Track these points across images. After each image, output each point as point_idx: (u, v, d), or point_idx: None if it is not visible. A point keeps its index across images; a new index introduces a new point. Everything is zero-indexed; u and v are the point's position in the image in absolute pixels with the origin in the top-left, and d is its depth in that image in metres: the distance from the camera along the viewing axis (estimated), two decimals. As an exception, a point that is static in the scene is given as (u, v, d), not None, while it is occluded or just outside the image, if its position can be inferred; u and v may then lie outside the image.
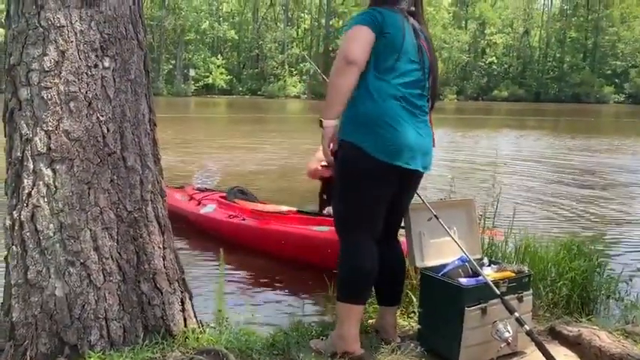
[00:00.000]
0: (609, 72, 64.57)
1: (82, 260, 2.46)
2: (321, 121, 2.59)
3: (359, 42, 2.50)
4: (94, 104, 2.48)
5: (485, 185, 3.90)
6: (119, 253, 2.54)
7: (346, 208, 2.72)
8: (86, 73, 2.47)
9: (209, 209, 5.62)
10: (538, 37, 72.04)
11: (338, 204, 2.78)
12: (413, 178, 2.76)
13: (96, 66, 2.50)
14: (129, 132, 2.59)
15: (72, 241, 2.44)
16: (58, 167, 2.43)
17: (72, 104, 2.44)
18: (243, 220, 5.14)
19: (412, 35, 2.61)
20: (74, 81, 2.45)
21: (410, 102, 2.60)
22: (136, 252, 2.60)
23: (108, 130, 2.52)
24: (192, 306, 2.86)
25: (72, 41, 2.45)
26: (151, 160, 2.69)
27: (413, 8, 2.68)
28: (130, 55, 2.62)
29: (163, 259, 2.70)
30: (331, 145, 2.63)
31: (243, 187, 6.13)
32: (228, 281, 4.12)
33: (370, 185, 2.62)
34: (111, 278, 2.52)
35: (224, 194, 5.96)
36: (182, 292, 2.79)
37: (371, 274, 2.69)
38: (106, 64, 2.53)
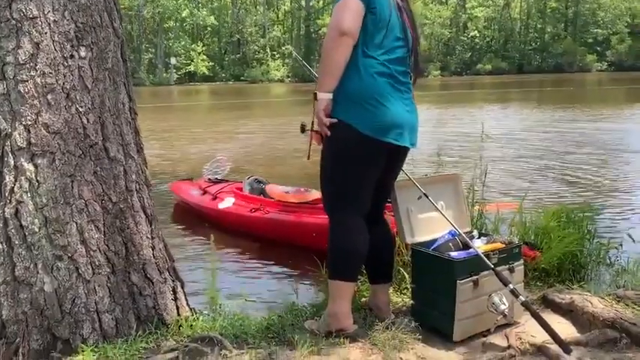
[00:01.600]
0: (591, 40, 64.73)
1: (69, 254, 2.43)
2: (315, 94, 2.58)
3: (350, 13, 2.47)
4: (72, 95, 2.44)
5: (472, 158, 3.94)
6: (107, 245, 2.52)
7: (335, 186, 2.72)
8: (62, 64, 2.43)
9: (227, 204, 5.36)
10: (519, 8, 71.87)
11: (327, 182, 2.77)
12: (400, 155, 2.77)
13: (72, 56, 2.45)
14: (109, 122, 2.55)
15: (58, 235, 2.41)
16: (39, 161, 2.39)
17: (50, 96, 2.40)
18: (267, 213, 4.91)
19: (397, 11, 2.61)
20: (51, 73, 2.40)
21: (396, 79, 2.61)
22: (124, 243, 2.57)
23: (88, 121, 2.48)
24: (185, 294, 2.85)
25: (46, 32, 2.39)
26: (133, 150, 2.66)
27: None
28: (106, 44, 2.57)
29: (152, 249, 2.68)
30: (326, 119, 2.58)
31: (259, 177, 5.82)
32: (221, 267, 4.10)
33: (359, 162, 2.62)
34: (100, 271, 2.49)
35: (240, 185, 5.69)
36: (173, 280, 2.77)
37: (361, 252, 2.70)
38: (82, 54, 2.48)
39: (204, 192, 5.82)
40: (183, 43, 58.00)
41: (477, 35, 68.49)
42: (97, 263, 2.49)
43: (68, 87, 2.43)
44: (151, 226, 2.70)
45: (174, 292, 2.75)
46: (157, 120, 16.32)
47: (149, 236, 2.67)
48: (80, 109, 2.46)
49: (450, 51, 67.80)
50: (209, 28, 62.88)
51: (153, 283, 2.65)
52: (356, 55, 2.54)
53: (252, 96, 32.65)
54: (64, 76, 2.43)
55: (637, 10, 64.95)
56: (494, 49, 68.48)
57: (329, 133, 2.59)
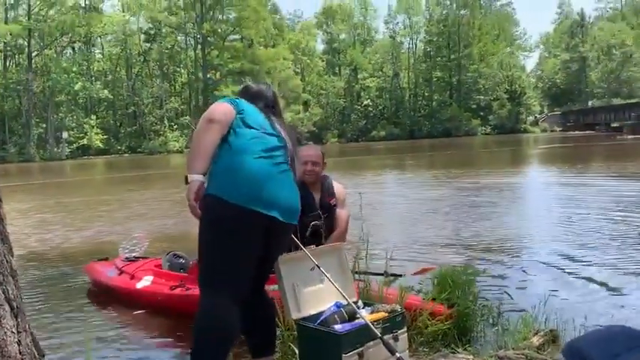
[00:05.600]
0: (474, 106, 69.64)
1: None
2: (186, 177, 2.63)
3: (219, 107, 2.74)
4: None
5: (357, 227, 4.08)
6: (-35, 344, 2.32)
7: (210, 264, 2.69)
8: None
9: (146, 282, 5.02)
10: (407, 78, 76.25)
11: (202, 260, 2.74)
12: (279, 231, 2.76)
13: None
14: (-31, 210, 2.40)
15: None
16: None
17: None
18: (189, 289, 4.50)
19: (267, 120, 2.85)
20: None
21: (269, 160, 2.72)
22: (-15, 340, 2.38)
23: (-56, 211, 2.32)
24: (57, 390, 2.66)
25: None
26: (-4, 238, 2.50)
27: (273, 107, 2.98)
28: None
29: (18, 345, 2.48)
30: (196, 201, 2.64)
31: (178, 252, 5.44)
32: (99, 352, 3.85)
33: (233, 237, 2.62)
34: (-44, 373, 2.29)
35: (158, 262, 5.36)
36: (43, 377, 2.58)
37: (229, 338, 2.64)
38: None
39: (121, 272, 5.40)
40: (75, 116, 56.52)
41: (370, 104, 71.94)
42: (-47, 365, 2.28)
43: None
44: (17, 319, 2.51)
45: (44, 389, 2.56)
46: (50, 197, 15.51)
47: (14, 331, 2.48)
48: None
49: (345, 119, 70.55)
50: (104, 102, 61.72)
51: (19, 381, 2.45)
52: (229, 142, 2.69)
53: (152, 168, 31.88)
54: None
55: (514, 77, 70.70)
56: (387, 116, 71.91)
57: (199, 212, 2.64)
